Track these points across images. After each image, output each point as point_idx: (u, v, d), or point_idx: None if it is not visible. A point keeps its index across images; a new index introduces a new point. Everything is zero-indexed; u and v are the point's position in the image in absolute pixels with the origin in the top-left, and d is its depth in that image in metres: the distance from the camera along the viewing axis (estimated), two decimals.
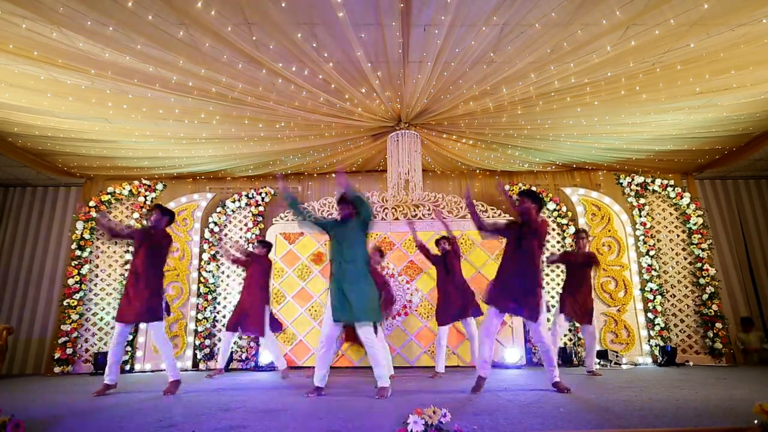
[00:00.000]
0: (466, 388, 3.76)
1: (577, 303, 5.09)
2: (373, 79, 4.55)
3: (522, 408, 2.81)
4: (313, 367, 3.73)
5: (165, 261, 4.11)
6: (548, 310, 5.21)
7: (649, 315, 6.38)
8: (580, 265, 5.19)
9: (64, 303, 6.41)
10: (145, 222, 4.03)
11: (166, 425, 2.44)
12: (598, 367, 5.85)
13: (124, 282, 6.49)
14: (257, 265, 5.33)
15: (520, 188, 7.03)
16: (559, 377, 3.66)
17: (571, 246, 6.55)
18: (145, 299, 3.84)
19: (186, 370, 6.17)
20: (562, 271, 6.63)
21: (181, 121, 5.28)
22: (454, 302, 4.95)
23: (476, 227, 3.97)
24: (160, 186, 7.09)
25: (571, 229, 6.75)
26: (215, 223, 6.89)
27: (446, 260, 5.13)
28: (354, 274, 3.57)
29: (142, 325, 6.16)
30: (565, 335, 6.42)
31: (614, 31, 3.82)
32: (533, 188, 6.97)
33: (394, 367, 5.17)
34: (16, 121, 5.18)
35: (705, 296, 6.47)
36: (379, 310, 3.70)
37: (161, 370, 6.13)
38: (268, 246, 5.60)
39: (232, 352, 6.33)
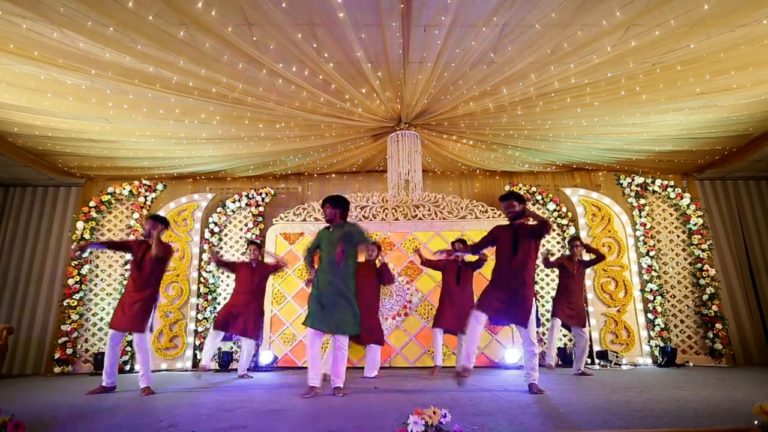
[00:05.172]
0: (467, 388, 3.76)
1: (571, 307, 5.19)
2: (374, 80, 4.55)
3: (522, 408, 2.81)
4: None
5: (162, 273, 4.24)
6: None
7: (649, 315, 6.37)
8: (574, 271, 5.30)
9: (64, 303, 6.41)
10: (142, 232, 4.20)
11: (166, 425, 2.43)
12: (598, 367, 5.87)
13: (124, 283, 6.50)
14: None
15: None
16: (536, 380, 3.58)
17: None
18: (136, 310, 4.01)
19: (186, 371, 6.17)
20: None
21: (181, 122, 5.28)
22: (454, 313, 5.01)
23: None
24: (160, 186, 7.09)
25: (572, 230, 6.76)
26: (215, 224, 6.89)
27: (460, 270, 5.15)
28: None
29: None
30: (565, 335, 6.43)
31: (614, 31, 3.82)
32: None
33: (394, 368, 5.17)
34: (16, 121, 5.18)
35: (705, 297, 6.46)
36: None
37: (161, 371, 6.13)
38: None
39: (231, 353, 6.33)
